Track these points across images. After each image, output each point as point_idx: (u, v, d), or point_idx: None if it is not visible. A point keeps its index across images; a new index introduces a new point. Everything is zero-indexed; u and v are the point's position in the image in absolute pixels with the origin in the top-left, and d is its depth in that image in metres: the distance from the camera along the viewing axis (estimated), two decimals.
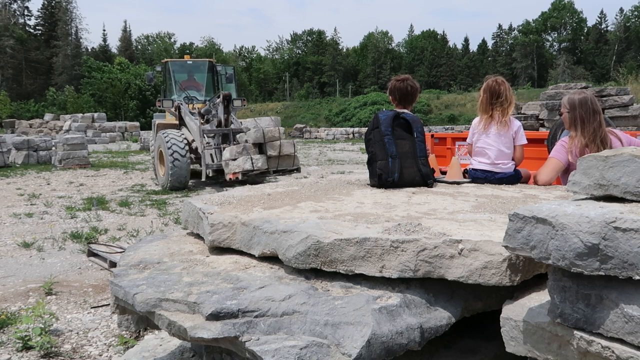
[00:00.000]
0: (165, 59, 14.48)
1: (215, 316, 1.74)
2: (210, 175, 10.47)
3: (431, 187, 3.22)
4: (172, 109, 12.39)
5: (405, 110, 3.47)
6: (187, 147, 10.85)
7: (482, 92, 3.49)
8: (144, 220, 7.61)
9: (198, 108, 12.12)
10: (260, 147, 10.06)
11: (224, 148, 10.38)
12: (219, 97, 11.01)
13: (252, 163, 9.65)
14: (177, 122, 12.35)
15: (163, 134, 11.07)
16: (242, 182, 10.04)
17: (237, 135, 10.55)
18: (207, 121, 11.41)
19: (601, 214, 1.31)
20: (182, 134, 11.30)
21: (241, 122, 11.76)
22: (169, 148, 10.64)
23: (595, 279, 1.37)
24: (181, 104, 12.16)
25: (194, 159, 11.35)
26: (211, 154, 10.60)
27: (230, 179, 9.97)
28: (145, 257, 2.42)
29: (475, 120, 3.57)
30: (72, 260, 5.42)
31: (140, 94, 49.91)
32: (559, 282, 1.44)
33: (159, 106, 12.70)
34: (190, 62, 14.35)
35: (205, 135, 10.65)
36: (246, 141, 10.07)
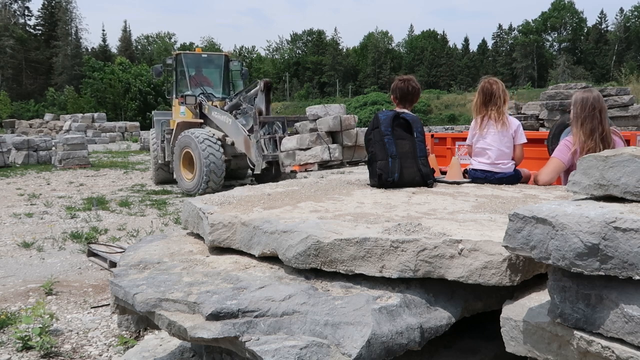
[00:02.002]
0: (178, 51, 13.04)
1: (215, 316, 1.74)
2: (263, 167, 9.61)
3: (431, 187, 3.22)
4: (193, 106, 11.39)
5: (406, 110, 3.48)
6: (221, 147, 10.05)
7: (477, 94, 3.51)
8: (144, 220, 7.61)
9: (217, 105, 11.25)
10: (333, 136, 8.88)
11: (280, 138, 9.43)
12: (256, 85, 10.19)
13: (330, 153, 8.52)
14: (197, 120, 11.26)
15: (192, 134, 10.12)
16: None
17: (297, 124, 9.55)
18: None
19: (601, 214, 1.31)
20: (214, 133, 10.41)
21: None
22: (203, 150, 9.71)
23: (595, 279, 1.37)
24: (203, 100, 11.26)
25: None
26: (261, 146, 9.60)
27: (294, 171, 8.75)
28: (145, 257, 2.42)
29: (474, 122, 3.58)
30: (72, 260, 5.42)
31: (140, 95, 49.81)
32: (559, 282, 1.44)
33: (181, 102, 11.54)
34: (205, 56, 13.01)
35: (255, 126, 9.52)
36: (311, 130, 8.94)
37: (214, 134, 10.36)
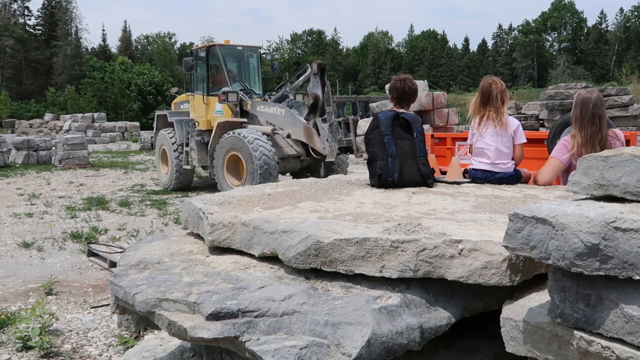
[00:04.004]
0: (212, 42, 11.88)
1: (215, 316, 1.74)
2: (338, 154, 8.80)
3: (431, 187, 3.22)
4: (234, 104, 10.30)
5: (405, 110, 3.48)
6: (272, 147, 9.10)
7: (477, 93, 3.52)
8: (144, 220, 7.60)
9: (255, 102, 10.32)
10: (422, 116, 7.91)
11: (354, 121, 8.53)
12: (305, 70, 9.31)
13: None
14: (240, 119, 10.24)
15: (240, 134, 9.14)
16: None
17: (373, 105, 8.70)
18: None
19: (601, 214, 1.31)
20: (260, 132, 9.43)
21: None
22: (255, 152, 8.79)
23: (595, 279, 1.37)
24: (243, 97, 10.25)
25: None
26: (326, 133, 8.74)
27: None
28: (145, 257, 2.42)
29: (474, 121, 3.58)
30: (72, 260, 5.42)
31: (141, 95, 49.76)
32: (559, 282, 1.44)
33: (223, 100, 10.21)
34: (240, 48, 11.59)
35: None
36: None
37: (261, 132, 9.46)
